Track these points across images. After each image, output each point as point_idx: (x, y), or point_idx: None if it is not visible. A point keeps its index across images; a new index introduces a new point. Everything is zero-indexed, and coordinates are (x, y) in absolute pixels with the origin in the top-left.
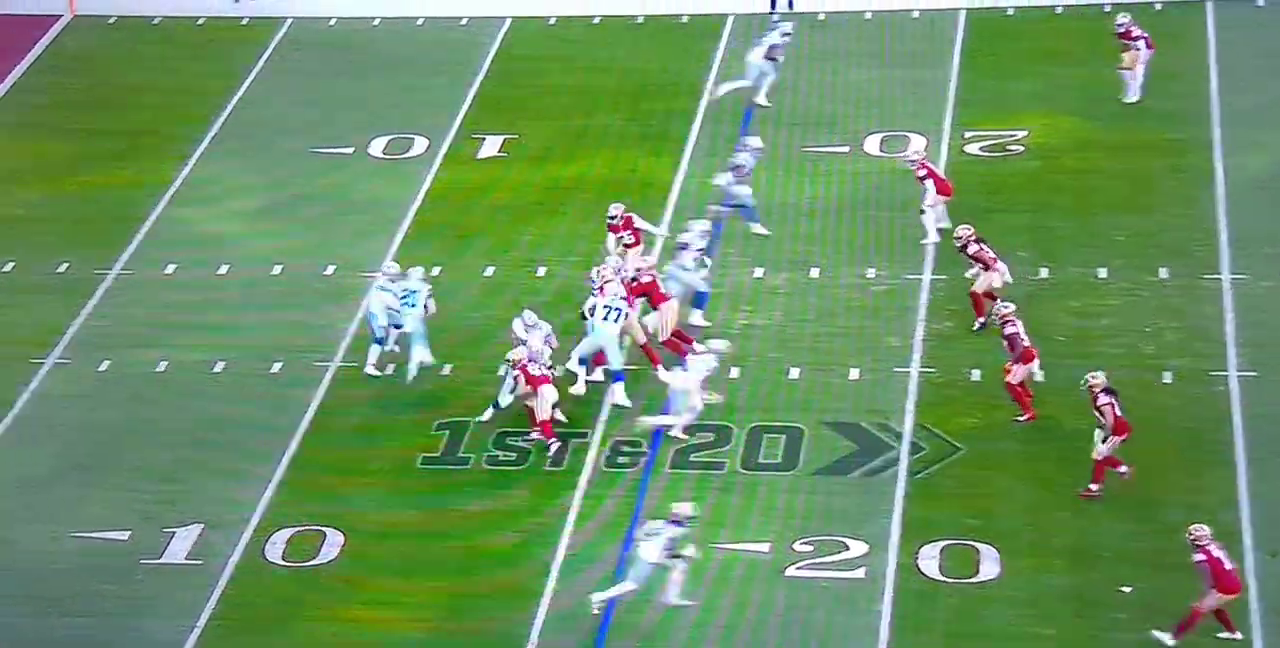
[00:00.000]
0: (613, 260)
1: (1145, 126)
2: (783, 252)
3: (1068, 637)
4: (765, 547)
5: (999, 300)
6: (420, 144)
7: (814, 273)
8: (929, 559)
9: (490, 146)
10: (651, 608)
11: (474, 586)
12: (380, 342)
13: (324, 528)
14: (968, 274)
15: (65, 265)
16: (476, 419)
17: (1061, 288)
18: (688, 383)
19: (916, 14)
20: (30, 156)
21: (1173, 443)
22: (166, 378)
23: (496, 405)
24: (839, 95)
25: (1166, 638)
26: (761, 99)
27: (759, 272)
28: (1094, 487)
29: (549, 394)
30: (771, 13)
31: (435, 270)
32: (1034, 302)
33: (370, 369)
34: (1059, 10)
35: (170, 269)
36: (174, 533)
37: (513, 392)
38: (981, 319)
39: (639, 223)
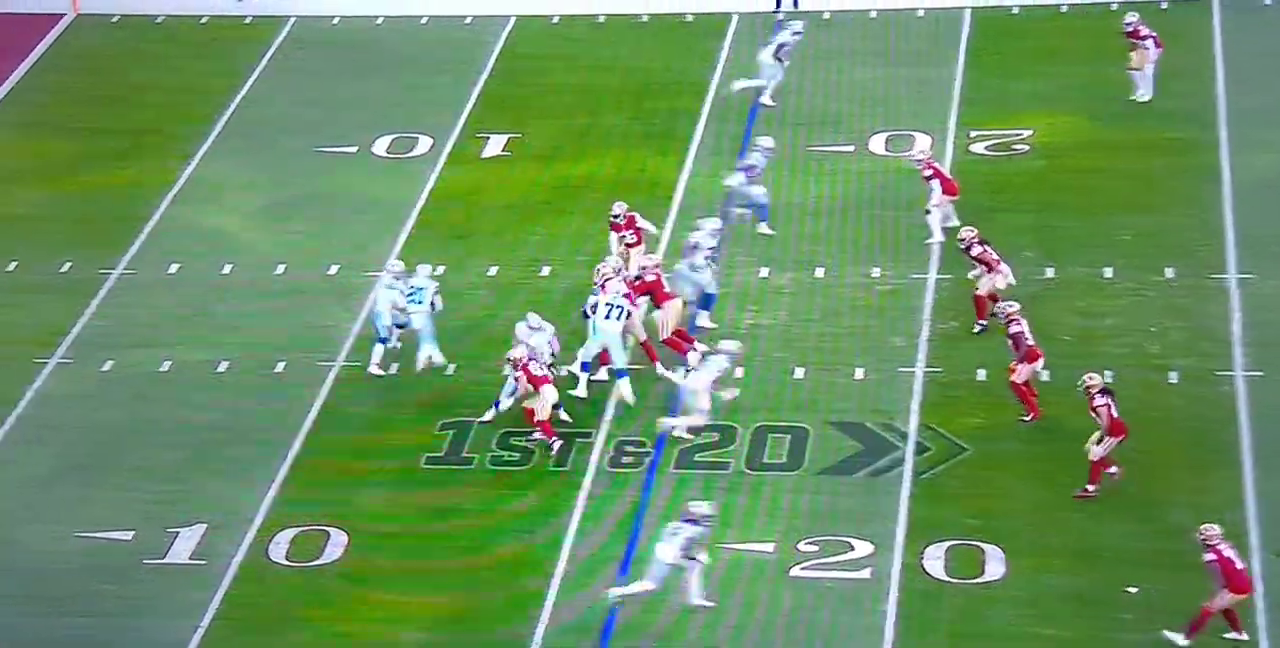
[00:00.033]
0: (612, 259)
1: (1151, 126)
2: (788, 251)
3: (1073, 637)
4: (770, 547)
5: (1003, 300)
6: (424, 143)
7: (819, 273)
8: (934, 560)
9: (494, 146)
10: (654, 609)
11: (478, 586)
12: (383, 341)
13: (328, 528)
14: (970, 275)
15: (68, 265)
16: (478, 420)
17: (1067, 287)
18: (698, 384)
19: (921, 13)
20: (33, 156)
21: (1178, 443)
22: (170, 378)
23: (497, 406)
24: (844, 94)
25: (1179, 638)
26: (767, 99)
27: (764, 271)
28: (1090, 488)
29: (550, 395)
30: (776, 11)
31: (439, 270)
32: (1039, 301)
33: (374, 369)
34: (1064, 9)
35: (173, 269)
36: (177, 533)
37: (512, 394)
38: (983, 322)
39: (640, 222)
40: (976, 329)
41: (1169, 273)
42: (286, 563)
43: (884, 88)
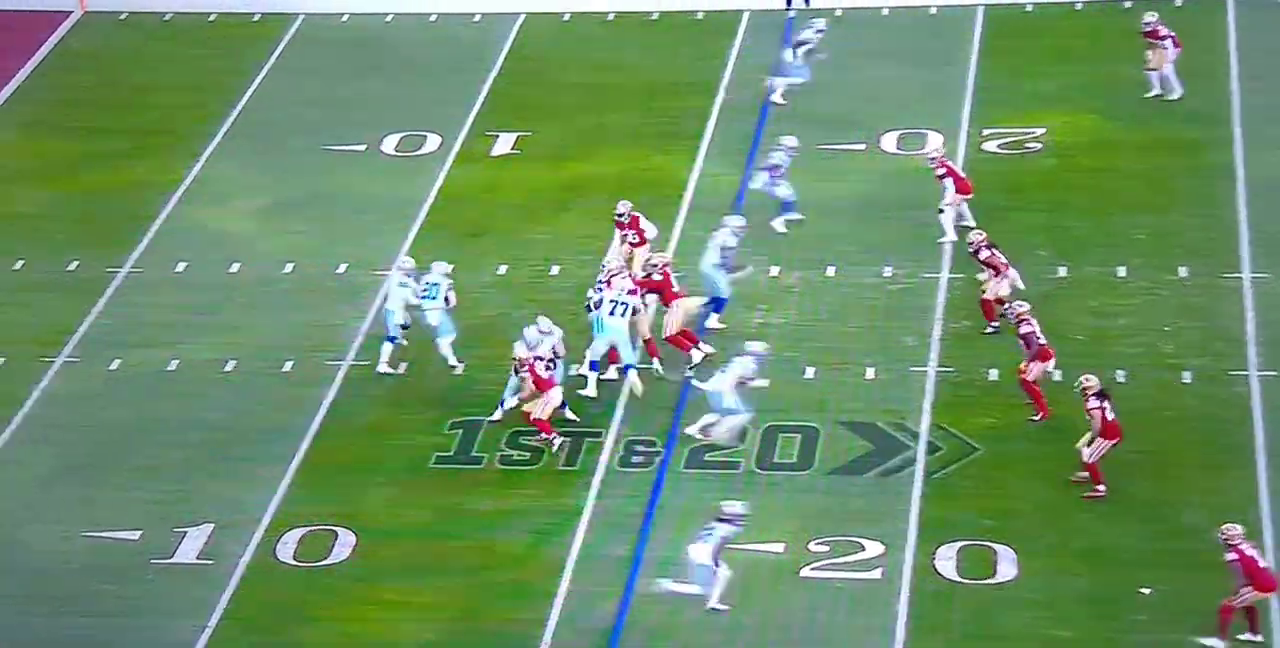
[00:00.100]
0: (613, 257)
1: (1165, 124)
2: (799, 250)
3: (1086, 639)
4: (780, 547)
5: (1013, 300)
6: (433, 141)
7: (830, 271)
8: (946, 560)
9: (503, 144)
10: (663, 609)
11: (487, 586)
12: (393, 339)
13: (335, 528)
14: (979, 277)
15: (75, 264)
16: (488, 419)
17: (1080, 287)
18: (720, 385)
19: (934, 10)
20: (40, 154)
21: (1192, 443)
22: (177, 377)
23: (503, 405)
24: (856, 92)
25: (1216, 643)
26: (778, 97)
27: (774, 270)
28: (1100, 488)
29: (555, 398)
30: (788, 9)
31: (448, 268)
32: (1052, 301)
33: (383, 367)
34: (1078, 7)
35: (181, 268)
36: (185, 533)
37: (516, 393)
38: (994, 323)
39: (643, 223)
40: (988, 330)
41: (1183, 272)
42: (294, 563)
43: (896, 86)
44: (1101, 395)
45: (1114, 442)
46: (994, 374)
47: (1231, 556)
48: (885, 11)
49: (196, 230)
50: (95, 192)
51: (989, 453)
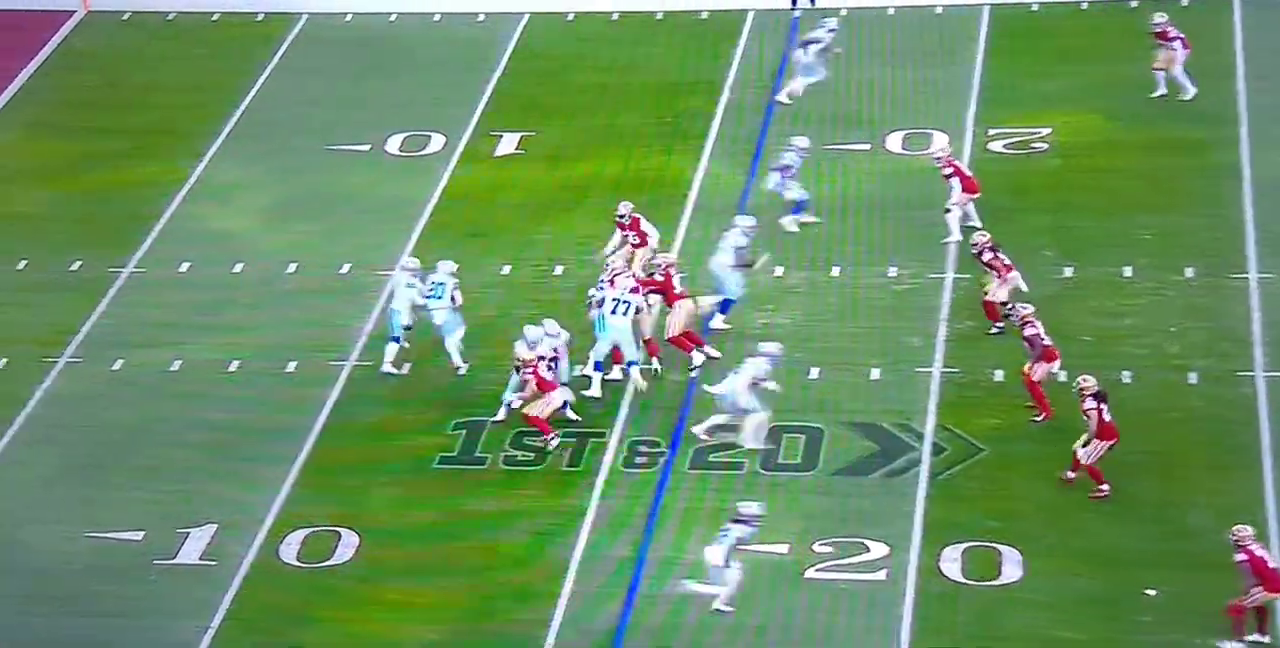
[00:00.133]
0: (617, 255)
1: (1171, 124)
2: (804, 250)
3: (1092, 640)
4: (785, 548)
5: (1017, 303)
6: (437, 141)
7: (835, 272)
8: (951, 561)
9: (508, 144)
10: (667, 610)
11: (490, 587)
12: (397, 340)
13: (339, 528)
14: (984, 278)
15: (78, 264)
16: (492, 420)
17: (1086, 287)
18: (734, 386)
19: (940, 9)
20: (43, 154)
21: (1198, 444)
22: (180, 377)
23: (508, 406)
24: (861, 92)
25: (1234, 645)
26: (783, 97)
27: (779, 270)
28: (1103, 488)
29: (556, 400)
30: (793, 9)
31: (453, 267)
32: (1058, 301)
33: (387, 367)
34: (1084, 6)
35: (184, 268)
36: (188, 533)
37: (517, 392)
38: (999, 324)
39: (644, 225)
40: (993, 331)
41: (1189, 272)
42: (297, 564)
43: (901, 85)
44: (1098, 396)
45: (1110, 443)
46: (999, 375)
47: (1241, 556)
48: (891, 11)
49: (200, 230)
50: (98, 191)
51: (994, 454)
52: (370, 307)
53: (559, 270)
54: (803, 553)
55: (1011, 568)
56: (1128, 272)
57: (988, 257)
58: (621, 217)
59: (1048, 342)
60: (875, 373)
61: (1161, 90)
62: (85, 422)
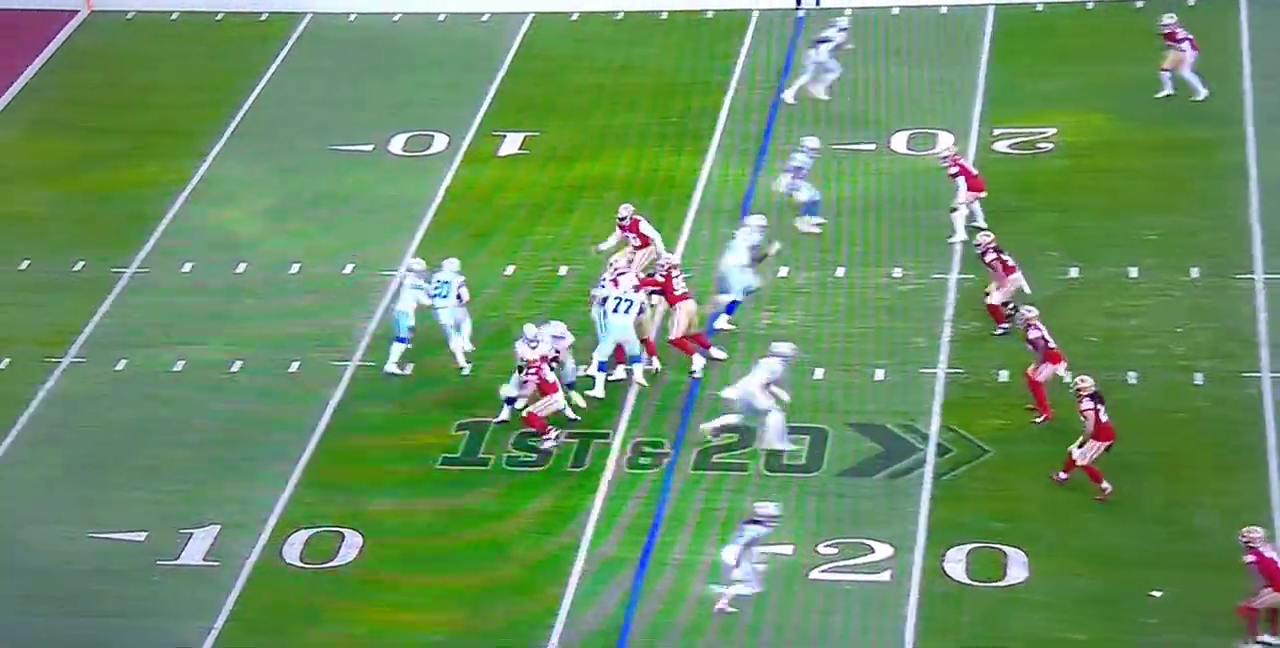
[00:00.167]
0: (609, 255)
1: (1177, 125)
2: (808, 251)
3: (1097, 641)
4: (789, 549)
5: (1021, 306)
6: (440, 141)
7: (840, 272)
8: (955, 562)
9: (511, 144)
10: (672, 610)
11: (493, 587)
12: (403, 340)
13: (342, 529)
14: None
15: (81, 264)
16: (495, 420)
17: (1092, 288)
18: (748, 387)
19: (944, 9)
20: (45, 154)
21: (1203, 445)
22: (183, 377)
23: (511, 405)
24: (866, 92)
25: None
26: (788, 97)
27: (784, 271)
28: (1106, 488)
29: (556, 403)
30: (798, 8)
31: (459, 266)
32: (1063, 302)
33: (391, 367)
34: (1089, 6)
35: (187, 268)
36: (191, 534)
37: (518, 390)
38: (1004, 325)
39: (644, 227)
40: (998, 332)
41: (1194, 273)
42: (301, 564)
43: (906, 85)
44: (1096, 397)
45: (1107, 444)
46: (1004, 376)
47: (1250, 557)
48: (895, 11)
49: (203, 230)
50: (101, 191)
51: (999, 455)
52: (373, 307)
53: (563, 271)
54: (807, 554)
55: (1016, 569)
56: (1133, 272)
57: (990, 257)
58: (622, 219)
59: (1052, 345)
60: (880, 374)
61: (1168, 91)
62: (88, 422)
